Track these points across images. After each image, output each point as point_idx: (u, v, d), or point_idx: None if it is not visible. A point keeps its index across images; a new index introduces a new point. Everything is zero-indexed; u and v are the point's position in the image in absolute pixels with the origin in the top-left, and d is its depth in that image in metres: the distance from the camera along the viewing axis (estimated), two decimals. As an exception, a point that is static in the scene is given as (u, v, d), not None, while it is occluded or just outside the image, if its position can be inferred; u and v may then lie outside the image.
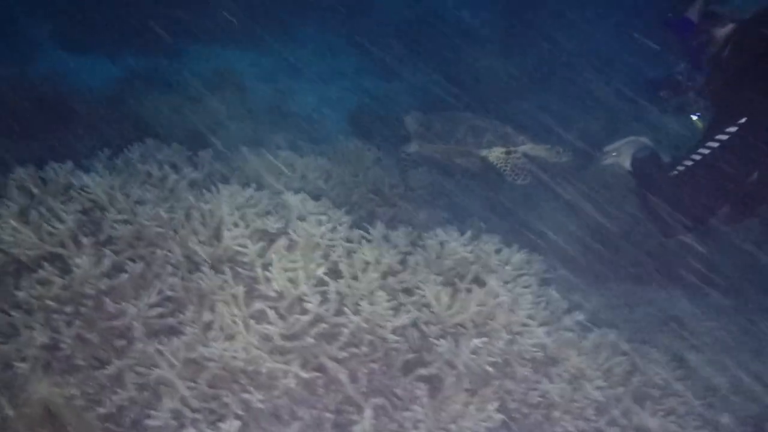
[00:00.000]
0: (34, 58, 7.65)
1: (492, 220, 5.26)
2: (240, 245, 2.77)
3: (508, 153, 4.47)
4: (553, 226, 5.63)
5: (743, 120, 2.71)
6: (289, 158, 4.05)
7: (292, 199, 3.12)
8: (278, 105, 7.45)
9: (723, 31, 2.94)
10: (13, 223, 2.55)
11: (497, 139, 4.60)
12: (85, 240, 2.55)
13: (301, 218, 3.00)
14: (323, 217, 2.94)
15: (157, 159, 3.44)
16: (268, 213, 2.99)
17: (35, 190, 2.84)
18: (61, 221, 2.58)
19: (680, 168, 2.94)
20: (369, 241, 3.00)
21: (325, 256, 2.83)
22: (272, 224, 2.90)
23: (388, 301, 2.64)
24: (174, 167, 3.45)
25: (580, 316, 3.20)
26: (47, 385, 2.39)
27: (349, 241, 2.95)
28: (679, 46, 3.17)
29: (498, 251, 3.14)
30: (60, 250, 2.57)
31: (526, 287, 3.01)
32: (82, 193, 2.81)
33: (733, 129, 2.72)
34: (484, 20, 11.28)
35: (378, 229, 3.08)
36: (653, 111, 4.00)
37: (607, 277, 5.24)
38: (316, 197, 3.91)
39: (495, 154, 4.45)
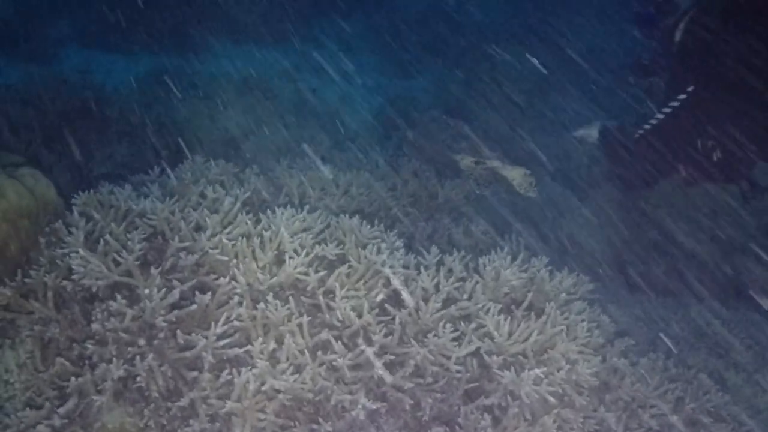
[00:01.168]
0: (57, 56, 7.62)
1: (522, 230, 5.27)
2: (302, 273, 2.79)
3: (476, 164, 4.87)
4: (581, 235, 5.66)
5: (690, 88, 3.03)
6: (331, 173, 4.06)
7: (347, 224, 3.13)
8: (305, 104, 7.44)
9: (676, 19, 3.25)
10: (82, 252, 2.56)
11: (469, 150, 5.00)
12: (153, 270, 2.56)
13: (359, 244, 3.02)
14: (382, 244, 2.95)
15: (207, 178, 3.45)
16: (324, 239, 3.01)
17: (97, 216, 2.85)
18: (129, 251, 2.60)
19: (639, 132, 3.29)
20: (426, 267, 3.03)
21: (386, 284, 2.85)
22: (331, 251, 2.92)
23: (452, 332, 2.66)
24: (223, 186, 3.47)
25: (630, 341, 3.23)
26: (121, 415, 2.42)
27: (406, 267, 2.97)
28: (646, 34, 3.53)
29: (551, 276, 3.17)
30: (128, 280, 2.59)
31: (580, 313, 3.03)
32: (145, 220, 2.82)
33: (682, 96, 3.06)
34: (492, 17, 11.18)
35: (433, 254, 3.10)
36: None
37: (637, 287, 5.27)
38: (360, 212, 3.96)
39: (465, 162, 4.86)
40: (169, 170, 3.67)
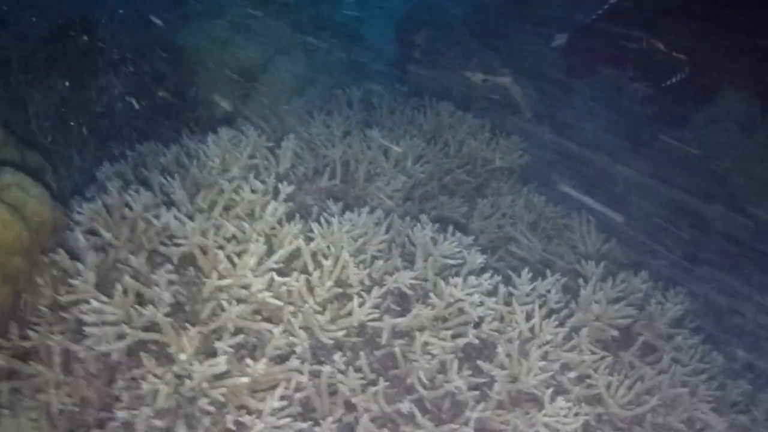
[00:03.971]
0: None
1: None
2: (373, 318, 2.21)
3: (484, 81, 5.38)
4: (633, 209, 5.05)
5: None
6: (378, 141, 3.34)
7: (421, 238, 2.51)
8: (325, 21, 6.50)
9: None
10: (95, 304, 1.95)
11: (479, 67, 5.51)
12: (192, 331, 1.97)
13: (436, 268, 2.43)
14: (475, 280, 2.35)
15: (239, 164, 2.76)
16: (396, 268, 2.41)
17: (107, 236, 2.21)
18: (156, 300, 1.99)
19: (587, 21, 3.66)
20: (517, 297, 2.46)
21: (477, 326, 2.30)
22: (406, 280, 2.33)
23: (566, 401, 2.14)
24: (258, 174, 2.80)
25: (746, 385, 2.74)
26: None
27: (491, 295, 2.40)
28: None
29: (662, 309, 2.63)
30: (157, 337, 2.00)
31: (704, 362, 2.52)
32: (173, 248, 2.18)
33: None
34: None
35: (524, 280, 2.53)
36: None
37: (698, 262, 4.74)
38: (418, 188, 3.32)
39: (475, 78, 5.34)
40: (188, 143, 2.97)
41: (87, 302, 1.96)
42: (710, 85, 4.08)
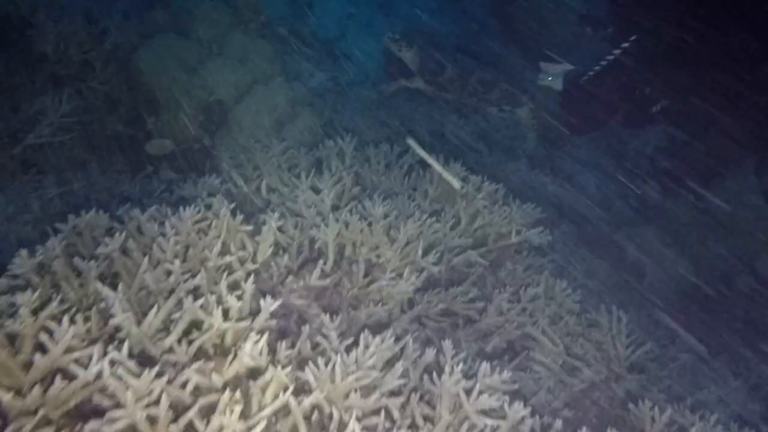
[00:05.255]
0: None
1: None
2: None
3: (502, 111, 5.12)
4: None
5: (633, 37, 3.24)
6: (380, 219, 2.69)
7: (450, 385, 1.87)
8: (300, 31, 5.81)
9: None
10: None
11: (504, 97, 5.16)
12: None
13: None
14: None
15: (207, 262, 2.06)
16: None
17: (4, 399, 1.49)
18: None
19: (585, 78, 3.48)
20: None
21: None
22: None
23: None
24: (230, 270, 2.11)
25: None
26: None
27: None
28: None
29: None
30: None
31: None
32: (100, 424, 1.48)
33: (625, 45, 3.27)
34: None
35: None
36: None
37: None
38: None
39: (523, 113, 5.02)
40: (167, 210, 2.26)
41: None
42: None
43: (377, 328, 2.36)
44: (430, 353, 2.02)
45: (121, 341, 1.71)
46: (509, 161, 5.21)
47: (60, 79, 3.78)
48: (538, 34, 6.81)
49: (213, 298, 1.82)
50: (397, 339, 2.08)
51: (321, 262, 2.37)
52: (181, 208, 2.13)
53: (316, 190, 2.90)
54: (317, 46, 5.97)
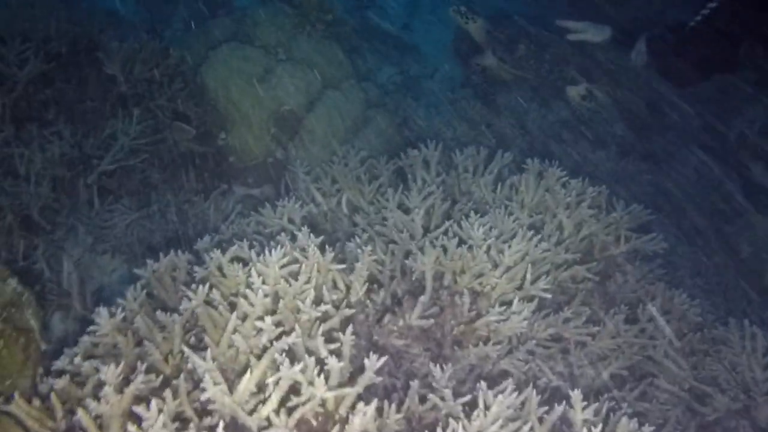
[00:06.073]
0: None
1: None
2: None
3: (583, 98, 4.59)
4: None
5: None
6: (480, 241, 2.41)
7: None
8: (374, 33, 5.55)
9: None
10: None
11: (580, 76, 4.61)
12: None
13: None
14: None
15: (299, 314, 1.85)
16: None
17: None
18: None
19: (692, 24, 3.19)
20: None
21: None
22: None
23: None
24: (324, 319, 1.89)
25: None
26: None
27: None
28: None
29: None
30: None
31: None
32: None
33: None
34: None
35: None
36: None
37: None
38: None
39: (573, 93, 4.51)
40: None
41: None
42: None
43: (490, 371, 2.10)
44: (557, 410, 1.75)
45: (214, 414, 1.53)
46: (597, 149, 4.82)
47: (128, 99, 3.66)
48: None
49: (311, 361, 1.60)
50: (515, 386, 1.82)
51: (422, 298, 2.12)
52: (266, 251, 1.92)
53: (405, 208, 2.65)
54: (383, 38, 5.70)
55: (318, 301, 1.91)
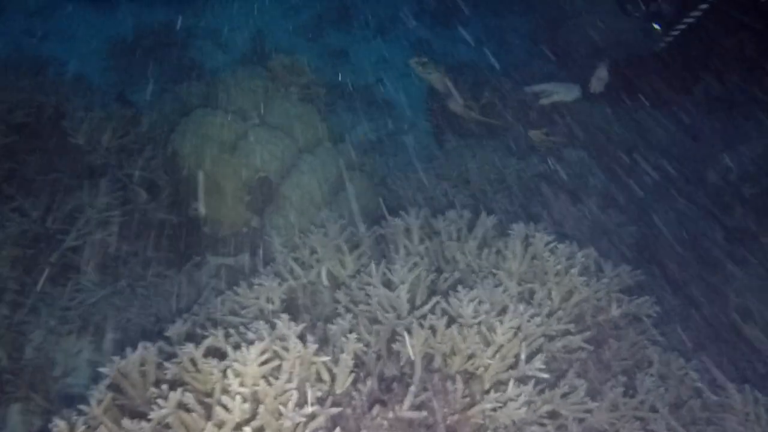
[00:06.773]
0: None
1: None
2: None
3: (546, 134, 4.78)
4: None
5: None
6: (470, 319, 2.29)
7: None
8: (341, 79, 5.52)
9: None
10: None
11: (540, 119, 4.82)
12: None
13: None
14: None
15: (282, 416, 1.69)
16: None
17: None
18: None
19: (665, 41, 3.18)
20: None
21: None
22: None
23: None
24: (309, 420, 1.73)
25: None
26: None
27: None
28: None
29: None
30: None
31: None
32: None
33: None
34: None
35: None
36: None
37: None
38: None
39: (533, 134, 4.69)
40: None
41: None
42: None
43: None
44: None
45: None
46: (578, 202, 4.77)
47: (95, 169, 3.51)
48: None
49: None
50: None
51: (412, 388, 1.97)
52: (243, 348, 1.77)
53: (388, 284, 2.52)
54: (357, 94, 5.67)
55: (301, 398, 1.75)
